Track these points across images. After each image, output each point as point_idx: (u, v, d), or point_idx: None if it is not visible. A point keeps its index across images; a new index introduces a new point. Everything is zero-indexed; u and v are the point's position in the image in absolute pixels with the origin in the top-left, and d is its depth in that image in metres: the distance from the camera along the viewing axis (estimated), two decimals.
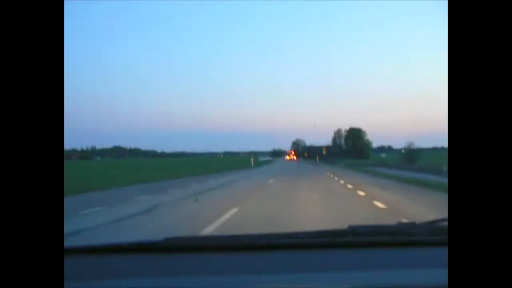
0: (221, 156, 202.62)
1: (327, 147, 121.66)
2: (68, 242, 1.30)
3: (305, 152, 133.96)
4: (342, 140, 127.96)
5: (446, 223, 1.49)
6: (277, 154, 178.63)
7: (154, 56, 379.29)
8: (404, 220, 1.69)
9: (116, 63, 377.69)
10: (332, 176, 26.17)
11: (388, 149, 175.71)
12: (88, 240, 5.76)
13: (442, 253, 1.15)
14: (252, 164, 50.44)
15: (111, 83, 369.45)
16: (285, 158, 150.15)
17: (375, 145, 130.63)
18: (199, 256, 1.37)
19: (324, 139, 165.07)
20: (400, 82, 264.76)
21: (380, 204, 10.01)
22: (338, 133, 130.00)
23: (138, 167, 52.80)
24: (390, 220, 4.32)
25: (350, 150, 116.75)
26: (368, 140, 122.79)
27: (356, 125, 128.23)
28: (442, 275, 1.01)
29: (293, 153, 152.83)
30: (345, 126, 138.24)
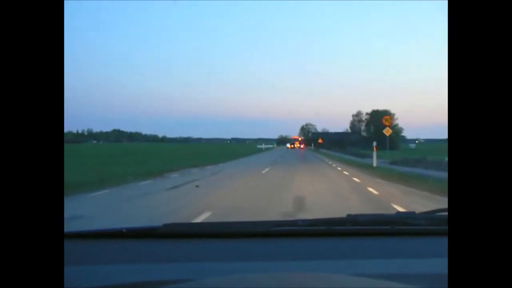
0: (228, 142, 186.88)
1: (348, 133, 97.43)
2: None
3: (319, 138, 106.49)
4: (363, 126, 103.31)
5: (444, 213, 1.47)
6: (283, 141, 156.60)
7: (161, 38, 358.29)
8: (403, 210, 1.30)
9: (120, 46, 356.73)
10: None
11: (403, 140, 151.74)
12: None
13: (440, 243, 1.16)
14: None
15: (114, 66, 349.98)
16: (287, 146, 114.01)
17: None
18: (197, 242, 1.38)
19: (339, 126, 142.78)
20: (418, 69, 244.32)
21: None
22: (357, 116, 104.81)
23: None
24: None
25: (374, 138, 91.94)
26: (398, 125, 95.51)
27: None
28: (440, 264, 1.01)
29: (299, 139, 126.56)
30: (365, 110, 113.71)
